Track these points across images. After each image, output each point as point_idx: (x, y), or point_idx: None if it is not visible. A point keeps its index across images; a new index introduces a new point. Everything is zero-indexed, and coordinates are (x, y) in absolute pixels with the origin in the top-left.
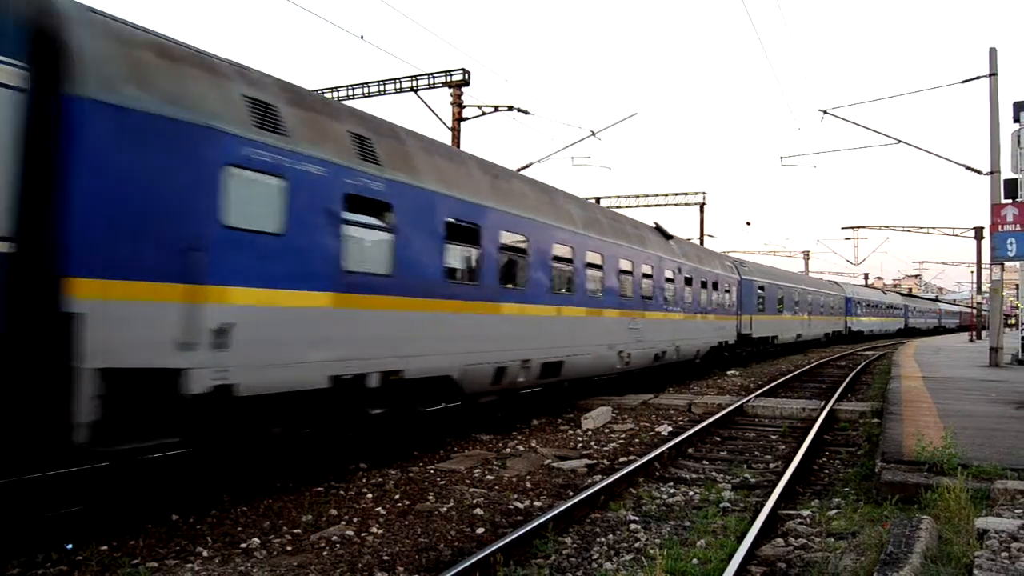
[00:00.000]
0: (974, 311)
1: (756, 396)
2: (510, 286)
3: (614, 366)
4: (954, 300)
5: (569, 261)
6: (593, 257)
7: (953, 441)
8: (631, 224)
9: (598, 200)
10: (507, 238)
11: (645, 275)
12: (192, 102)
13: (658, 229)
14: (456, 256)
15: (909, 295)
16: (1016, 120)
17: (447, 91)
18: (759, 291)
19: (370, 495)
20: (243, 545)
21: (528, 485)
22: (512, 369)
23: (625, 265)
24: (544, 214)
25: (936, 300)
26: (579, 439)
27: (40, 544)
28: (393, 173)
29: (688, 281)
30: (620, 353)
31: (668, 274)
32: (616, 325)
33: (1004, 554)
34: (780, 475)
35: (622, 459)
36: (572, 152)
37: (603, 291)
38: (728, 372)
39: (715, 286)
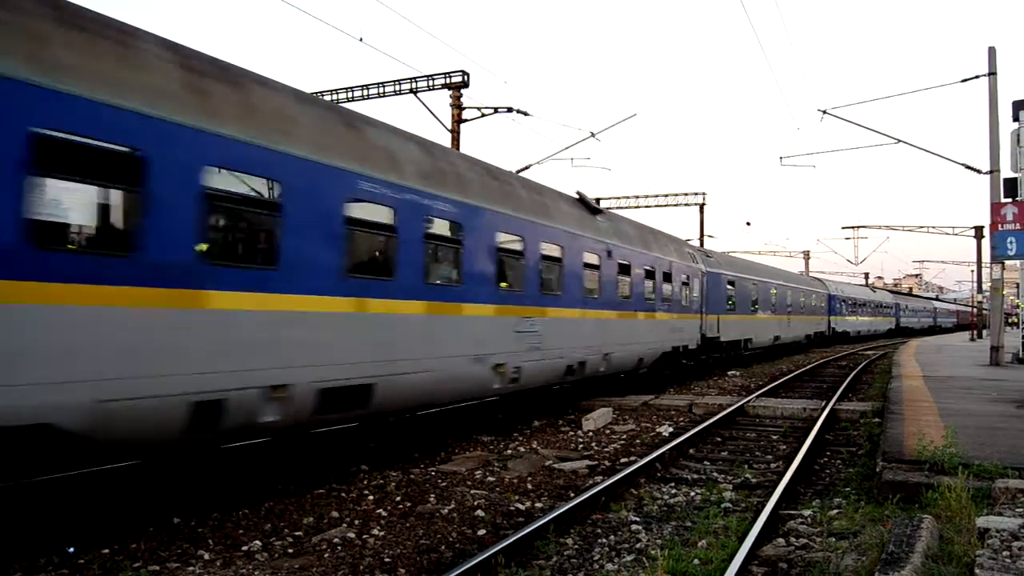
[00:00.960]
0: (974, 310)
1: (757, 396)
2: (233, 264)
3: (488, 385)
4: (955, 299)
5: (387, 229)
6: (440, 227)
7: (954, 440)
8: (527, 187)
9: (598, 201)
10: (223, 181)
11: (548, 258)
12: None
13: (581, 201)
14: (68, 204)
15: (900, 292)
16: (1015, 119)
17: (447, 93)
18: (728, 286)
19: (371, 497)
20: (244, 548)
21: (529, 486)
22: (239, 403)
23: (509, 242)
24: (326, 151)
25: (932, 299)
26: (580, 440)
27: (42, 547)
28: None
29: (624, 269)
30: (498, 367)
31: (590, 258)
32: (491, 327)
33: (1005, 553)
34: (781, 475)
35: (623, 460)
36: (571, 153)
37: (463, 277)
38: (729, 372)
39: (667, 278)
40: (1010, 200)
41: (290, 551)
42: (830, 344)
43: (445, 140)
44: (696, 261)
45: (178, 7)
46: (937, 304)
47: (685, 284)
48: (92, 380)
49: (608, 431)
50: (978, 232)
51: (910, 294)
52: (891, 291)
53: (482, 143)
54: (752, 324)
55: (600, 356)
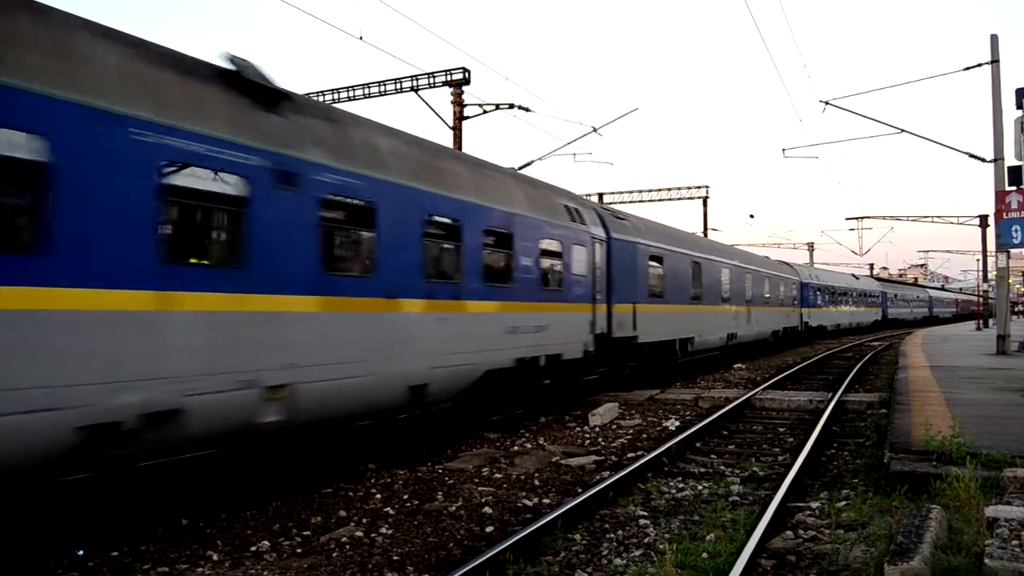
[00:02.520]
0: (979, 298)
1: (763, 389)
2: None
3: None
4: (960, 288)
5: None
6: None
7: (961, 430)
8: None
9: (600, 197)
10: None
11: None
12: None
13: (237, 76)
14: None
15: (888, 280)
16: (1019, 107)
17: (448, 90)
18: (653, 264)
19: (379, 495)
20: (253, 548)
21: (537, 483)
22: None
23: None
24: None
25: (926, 287)
26: (586, 436)
27: (52, 551)
28: None
29: (357, 217)
30: None
31: (215, 185)
32: None
33: (1015, 542)
34: (789, 467)
35: (630, 455)
36: (574, 148)
37: None
38: (735, 366)
39: (503, 242)
40: (1015, 188)
41: (298, 551)
42: (803, 342)
43: (447, 138)
44: (582, 221)
45: (177, 5)
46: (933, 292)
47: (554, 256)
48: None
49: (614, 426)
50: (983, 221)
51: (898, 282)
52: (878, 279)
53: (485, 140)
54: (693, 319)
55: (254, 395)
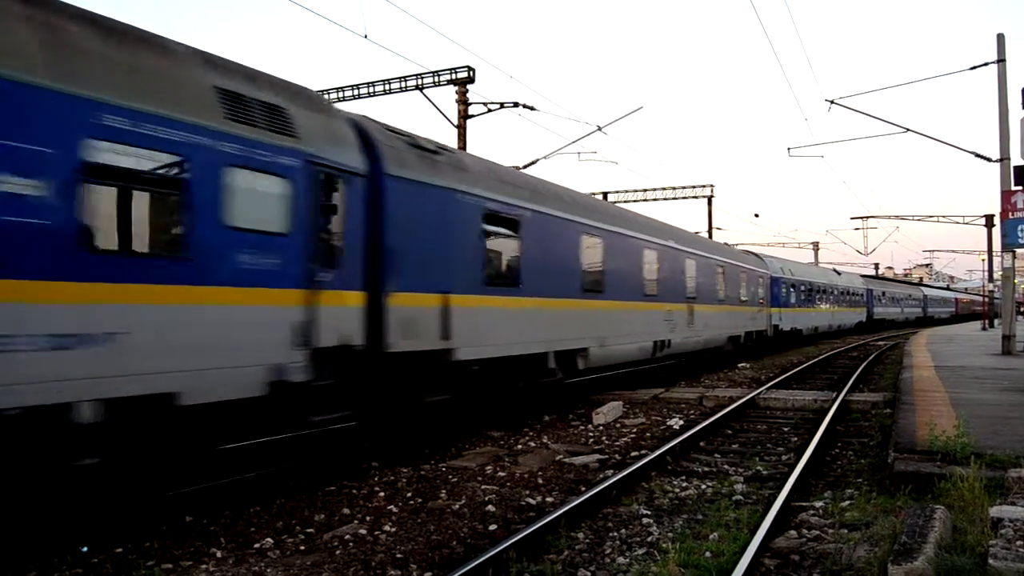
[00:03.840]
0: (984, 298)
1: (768, 388)
2: None
3: None
4: (966, 288)
5: None
6: None
7: (966, 430)
8: None
9: (605, 196)
10: None
11: None
12: None
13: None
14: None
15: (875, 277)
16: None
17: (452, 89)
18: (494, 230)
19: (382, 493)
20: (257, 545)
21: (540, 481)
22: None
23: None
24: None
25: (919, 284)
26: (590, 434)
27: (55, 547)
28: None
29: None
30: None
31: None
32: None
33: (1019, 543)
34: (793, 467)
35: (634, 454)
36: (578, 147)
37: None
38: (739, 365)
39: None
40: (1021, 188)
41: (302, 548)
42: (772, 350)
43: (452, 136)
44: (282, 129)
45: (181, 5)
46: (928, 291)
47: (152, 185)
48: None
49: (618, 425)
50: (988, 221)
51: (886, 279)
52: (863, 276)
53: (489, 139)
54: (587, 319)
55: None
